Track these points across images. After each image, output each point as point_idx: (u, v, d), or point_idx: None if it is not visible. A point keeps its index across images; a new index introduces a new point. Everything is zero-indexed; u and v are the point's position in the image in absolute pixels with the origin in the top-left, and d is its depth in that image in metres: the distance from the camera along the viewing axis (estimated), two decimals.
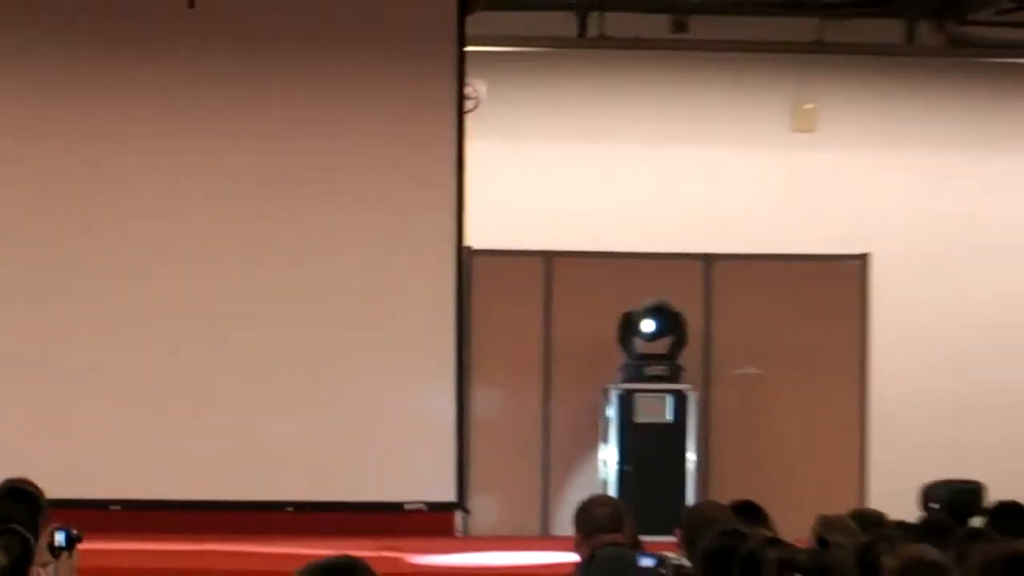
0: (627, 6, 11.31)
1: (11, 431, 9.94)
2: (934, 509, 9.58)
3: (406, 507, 10.36)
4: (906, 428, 11.22)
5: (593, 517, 6.59)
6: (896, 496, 9.46)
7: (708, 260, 11.35)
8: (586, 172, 12.05)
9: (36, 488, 6.35)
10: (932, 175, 12.10)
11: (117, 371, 10.23)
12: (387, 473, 10.50)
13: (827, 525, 6.01)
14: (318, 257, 10.40)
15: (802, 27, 11.51)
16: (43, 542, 5.88)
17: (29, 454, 9.31)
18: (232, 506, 9.98)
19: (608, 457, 10.98)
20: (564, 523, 9.27)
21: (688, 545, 5.89)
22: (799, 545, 5.13)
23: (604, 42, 11.41)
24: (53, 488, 6.25)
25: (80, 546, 6.02)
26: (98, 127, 10.32)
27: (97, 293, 10.38)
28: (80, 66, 10.42)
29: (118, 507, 9.75)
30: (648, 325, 10.95)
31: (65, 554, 5.96)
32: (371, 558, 4.03)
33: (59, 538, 5.90)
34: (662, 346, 11.05)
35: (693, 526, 6.10)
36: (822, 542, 5.23)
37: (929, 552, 4.67)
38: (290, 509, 10.10)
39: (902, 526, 6.80)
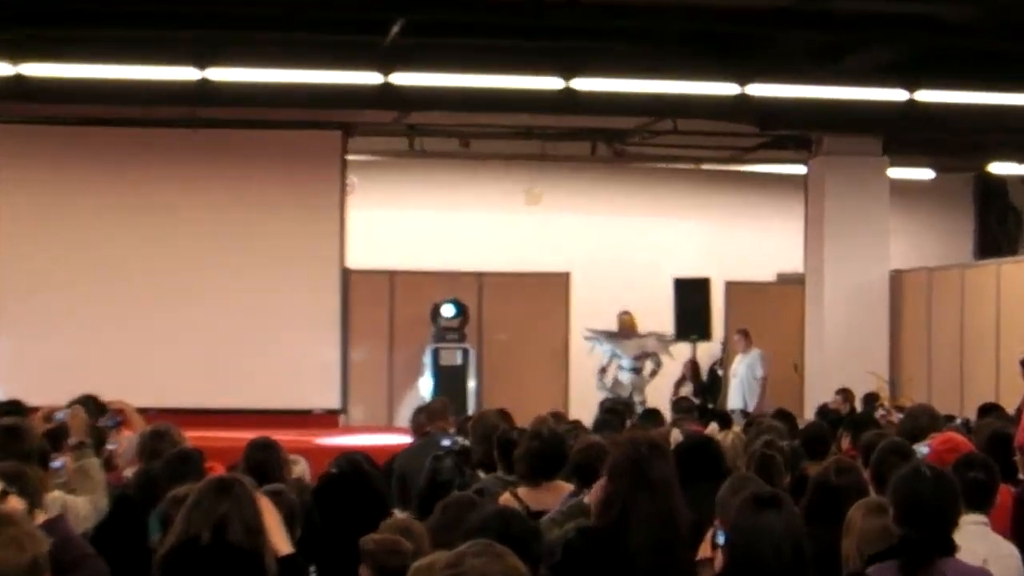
0: (432, 133, 15.79)
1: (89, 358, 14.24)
2: None
3: (313, 412, 14.93)
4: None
5: (430, 409, 8.98)
6: None
7: (479, 276, 16.26)
8: (408, 228, 16.85)
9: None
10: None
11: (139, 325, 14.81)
12: (299, 392, 15.06)
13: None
14: (261, 270, 15.02)
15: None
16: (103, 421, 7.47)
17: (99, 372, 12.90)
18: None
19: (424, 384, 15.24)
20: (403, 419, 13.31)
21: (472, 433, 7.58)
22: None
23: (423, 155, 16.17)
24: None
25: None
26: (139, 201, 15.04)
27: (133, 281, 14.99)
28: (128, 170, 15.09)
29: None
30: (448, 310, 15.37)
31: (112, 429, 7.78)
32: (284, 440, 6.10)
33: (108, 421, 7.76)
34: (455, 323, 15.49)
35: (475, 422, 7.88)
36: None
37: None
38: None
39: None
